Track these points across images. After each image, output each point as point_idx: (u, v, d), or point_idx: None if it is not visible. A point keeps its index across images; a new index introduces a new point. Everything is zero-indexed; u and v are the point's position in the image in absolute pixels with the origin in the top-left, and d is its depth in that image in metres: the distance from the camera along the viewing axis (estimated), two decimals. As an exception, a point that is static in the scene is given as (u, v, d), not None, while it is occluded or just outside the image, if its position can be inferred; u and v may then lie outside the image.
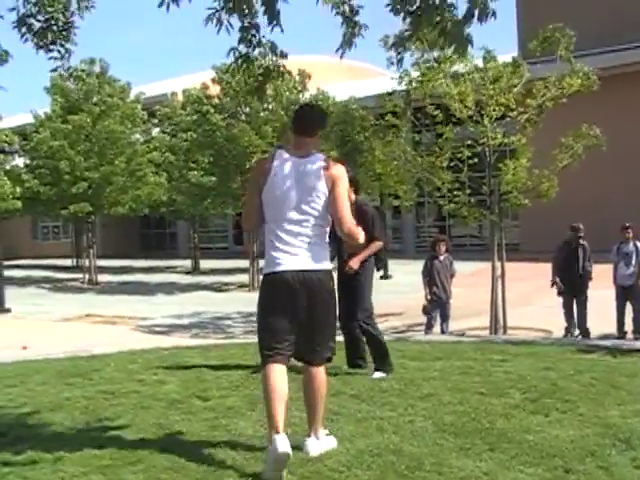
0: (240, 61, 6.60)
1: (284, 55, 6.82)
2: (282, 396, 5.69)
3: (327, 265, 5.96)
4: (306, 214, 5.81)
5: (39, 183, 33.26)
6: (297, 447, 5.75)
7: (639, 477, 5.40)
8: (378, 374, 8.91)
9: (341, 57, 6.53)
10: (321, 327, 5.93)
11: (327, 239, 6.02)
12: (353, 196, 7.73)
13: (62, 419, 7.22)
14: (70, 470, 5.73)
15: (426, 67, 15.94)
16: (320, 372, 6.02)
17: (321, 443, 5.98)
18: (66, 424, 7.04)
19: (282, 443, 5.40)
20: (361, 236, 5.98)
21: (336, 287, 6.26)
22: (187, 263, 40.01)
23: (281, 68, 6.93)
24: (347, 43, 6.43)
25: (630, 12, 32.90)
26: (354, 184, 8.33)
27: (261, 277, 6.12)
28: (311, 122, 6.08)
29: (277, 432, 5.49)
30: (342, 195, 5.82)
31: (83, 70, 33.18)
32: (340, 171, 5.89)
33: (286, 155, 5.88)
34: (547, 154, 15.67)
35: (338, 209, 5.80)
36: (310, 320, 5.84)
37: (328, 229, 5.99)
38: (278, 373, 5.78)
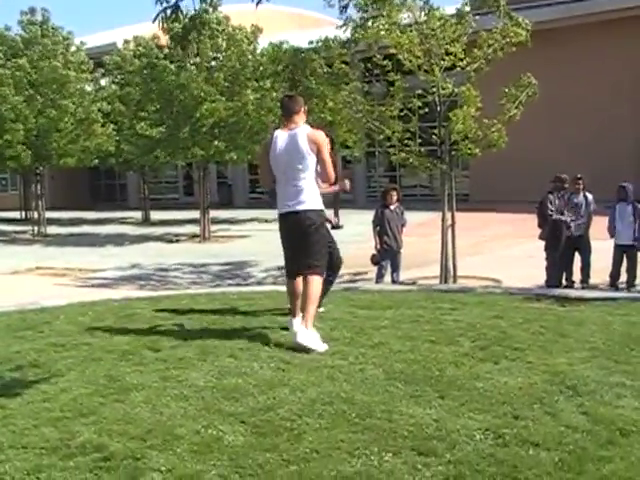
0: (169, 10, 6.43)
1: (214, 5, 6.67)
2: (296, 295, 8.35)
3: (314, 206, 8.15)
4: (297, 170, 8.06)
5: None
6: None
7: (585, 422, 5.50)
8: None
9: (257, 5, 6.62)
10: (310, 248, 8.12)
11: (315, 186, 8.19)
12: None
13: (12, 372, 7.19)
14: (21, 423, 5.73)
15: (371, 15, 15.85)
16: (312, 279, 8.07)
17: (308, 333, 7.74)
18: (16, 377, 7.01)
19: (297, 324, 8.03)
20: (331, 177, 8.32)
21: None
22: (137, 214, 39.72)
23: (204, 17, 6.76)
24: None
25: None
26: (330, 142, 9.50)
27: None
28: (289, 106, 8.39)
29: (294, 316, 8.28)
30: (326, 157, 8.10)
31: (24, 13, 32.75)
32: (322, 137, 8.17)
33: (281, 132, 8.28)
34: (495, 105, 15.69)
35: (324, 168, 8.13)
36: (302, 244, 8.13)
37: (314, 178, 8.16)
38: (292, 283, 8.44)
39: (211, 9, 6.57)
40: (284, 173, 8.18)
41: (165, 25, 6.60)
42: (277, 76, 26.57)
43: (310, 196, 8.13)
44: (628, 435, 5.27)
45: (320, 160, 8.08)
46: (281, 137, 8.20)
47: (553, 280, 14.91)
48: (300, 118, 8.29)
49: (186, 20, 6.72)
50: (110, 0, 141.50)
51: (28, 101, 31.51)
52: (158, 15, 6.53)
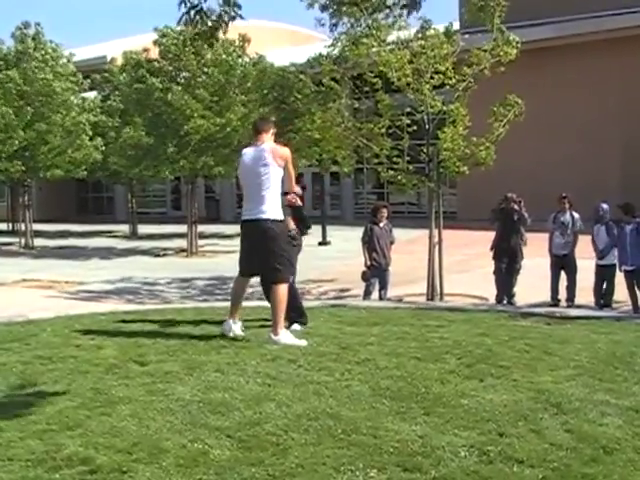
0: (193, 13, 6.43)
1: (238, 5, 6.68)
2: (240, 295, 9.35)
3: (275, 216, 8.85)
4: (261, 182, 8.83)
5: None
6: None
7: (569, 440, 5.54)
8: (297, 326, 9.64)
9: None
10: (268, 256, 8.82)
11: (277, 197, 8.91)
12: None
13: (-2, 384, 7.17)
14: (7, 435, 5.72)
15: (360, 33, 15.94)
16: (277, 287, 8.83)
17: (281, 336, 8.65)
18: (2, 389, 6.99)
19: (227, 326, 9.08)
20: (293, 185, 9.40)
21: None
22: (125, 228, 39.65)
23: (232, 13, 6.78)
24: None
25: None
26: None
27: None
28: (258, 126, 9.38)
29: (231, 318, 9.13)
30: (291, 170, 9.07)
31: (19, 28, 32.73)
32: (287, 152, 9.03)
33: (248, 148, 9.24)
34: (484, 123, 15.79)
35: (289, 180, 9.14)
36: (264, 252, 8.86)
37: (278, 189, 8.94)
38: (239, 282, 9.35)
39: (233, 11, 6.69)
40: (249, 185, 9.08)
41: (190, 27, 6.65)
42: (263, 98, 26.74)
43: (271, 207, 8.90)
44: (611, 453, 5.31)
45: (287, 173, 9.04)
46: (248, 152, 9.16)
47: (501, 294, 15.23)
48: (267, 137, 9.14)
49: (213, 18, 6.73)
50: (101, 13, 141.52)
51: (17, 113, 31.44)
52: (182, 17, 6.55)
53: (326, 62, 16.79)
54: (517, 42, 15.65)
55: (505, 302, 15.13)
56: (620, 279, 14.62)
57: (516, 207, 15.43)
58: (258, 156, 8.92)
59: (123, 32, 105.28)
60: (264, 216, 8.85)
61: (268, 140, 9.09)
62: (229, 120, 27.66)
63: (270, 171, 8.83)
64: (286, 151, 9.08)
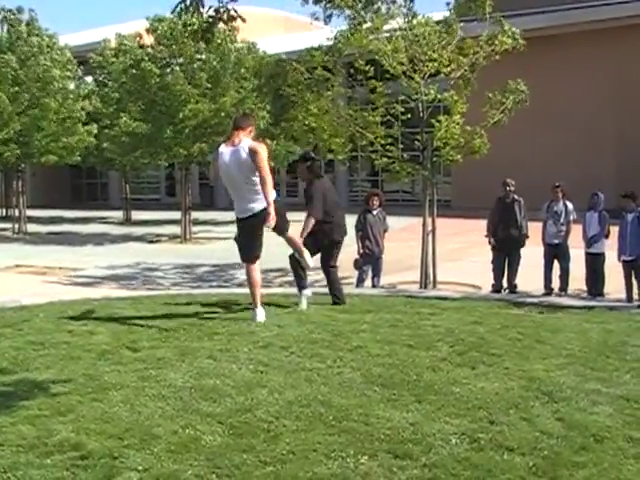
0: (189, 1, 6.35)
1: None
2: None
3: (260, 206, 9.09)
4: (246, 183, 9.14)
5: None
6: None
7: (560, 428, 5.55)
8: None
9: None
10: (244, 244, 9.47)
11: (258, 194, 9.11)
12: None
13: (-10, 369, 7.17)
14: (-2, 420, 5.73)
15: (357, 23, 15.90)
16: (248, 267, 9.47)
17: (254, 313, 9.20)
18: (-6, 374, 6.99)
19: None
20: (269, 185, 9.10)
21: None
22: (119, 214, 39.62)
23: (231, 12, 6.70)
24: None
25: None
26: (311, 164, 10.89)
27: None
28: (238, 122, 9.55)
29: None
30: (260, 164, 9.04)
31: (12, 12, 32.66)
32: (261, 148, 9.21)
33: (225, 147, 9.32)
34: (478, 111, 15.77)
35: (260, 174, 9.06)
36: (241, 239, 9.51)
37: (258, 187, 9.11)
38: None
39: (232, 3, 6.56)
40: (235, 187, 9.35)
41: (184, 17, 6.55)
42: (260, 90, 26.67)
43: (253, 203, 9.23)
44: (602, 441, 5.33)
45: (257, 168, 9.06)
46: (226, 153, 9.27)
47: (497, 284, 15.24)
48: (245, 134, 9.27)
49: (210, 12, 6.64)
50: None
51: (12, 98, 31.34)
52: (177, 6, 6.46)
53: (318, 54, 16.69)
54: (514, 32, 15.62)
55: (508, 292, 15.13)
56: (617, 268, 14.60)
57: (515, 197, 15.44)
58: (238, 157, 9.12)
59: (117, 18, 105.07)
60: (254, 212, 9.20)
61: (245, 138, 9.23)
62: (223, 104, 27.64)
63: (253, 172, 9.08)
64: (259, 145, 9.31)
